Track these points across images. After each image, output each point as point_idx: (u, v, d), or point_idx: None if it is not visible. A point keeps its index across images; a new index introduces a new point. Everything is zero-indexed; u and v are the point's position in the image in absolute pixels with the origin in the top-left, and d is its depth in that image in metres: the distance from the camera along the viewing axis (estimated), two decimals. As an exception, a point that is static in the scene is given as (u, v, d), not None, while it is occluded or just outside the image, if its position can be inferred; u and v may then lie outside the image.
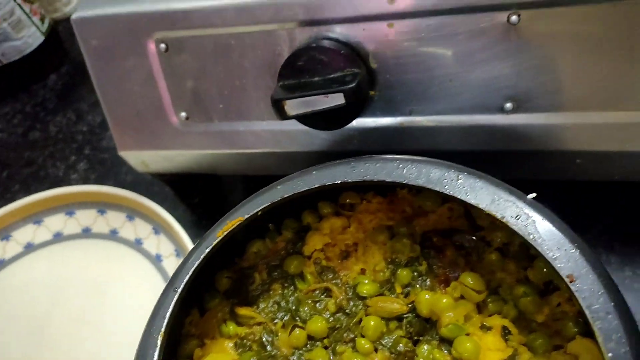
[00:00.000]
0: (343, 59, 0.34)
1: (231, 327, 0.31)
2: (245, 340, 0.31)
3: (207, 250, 0.29)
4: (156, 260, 0.48)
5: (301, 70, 0.35)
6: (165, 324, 0.27)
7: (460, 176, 0.27)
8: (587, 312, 0.22)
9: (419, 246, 0.32)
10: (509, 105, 0.35)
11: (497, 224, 0.30)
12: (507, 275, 0.30)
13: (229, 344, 0.31)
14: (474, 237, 0.31)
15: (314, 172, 0.30)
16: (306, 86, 0.35)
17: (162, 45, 0.39)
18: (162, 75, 0.40)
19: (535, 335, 0.28)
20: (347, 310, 0.31)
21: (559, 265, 0.24)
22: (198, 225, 0.49)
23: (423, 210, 0.33)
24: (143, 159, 0.46)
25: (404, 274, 0.31)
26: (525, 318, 0.28)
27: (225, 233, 0.29)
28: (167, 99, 0.41)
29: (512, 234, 0.29)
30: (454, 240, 0.31)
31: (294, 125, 0.39)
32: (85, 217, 0.51)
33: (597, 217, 0.42)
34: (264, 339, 0.31)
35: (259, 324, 0.32)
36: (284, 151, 0.41)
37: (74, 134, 0.60)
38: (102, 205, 0.51)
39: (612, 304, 0.22)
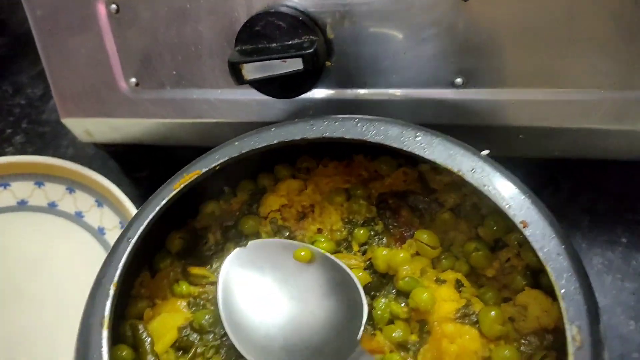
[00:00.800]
0: (301, 26, 0.34)
1: (184, 287, 0.31)
2: (198, 300, 0.31)
3: (163, 202, 0.28)
4: (98, 233, 0.46)
5: (259, 35, 0.35)
6: (118, 274, 0.26)
7: (417, 134, 0.28)
8: (540, 254, 0.24)
9: (375, 207, 0.32)
10: (459, 80, 0.36)
11: (449, 186, 0.31)
12: (459, 234, 0.31)
13: (182, 303, 0.30)
14: (427, 199, 0.32)
15: (272, 129, 0.30)
16: (264, 51, 0.35)
17: (113, 6, 0.38)
18: (111, 38, 0.39)
19: (486, 289, 0.29)
20: (303, 269, 0.31)
21: (512, 213, 0.25)
22: (145, 200, 0.47)
23: (379, 174, 0.33)
24: (87, 127, 0.44)
25: (361, 232, 0.31)
26: (476, 273, 0.30)
27: (183, 186, 0.29)
28: (116, 64, 0.40)
29: (463, 195, 0.30)
30: (409, 202, 0.32)
31: (250, 95, 0.39)
32: (21, 189, 0.49)
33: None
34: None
35: (212, 283, 0.31)
36: (238, 121, 0.41)
37: (11, 107, 0.57)
38: (40, 177, 0.48)
39: (563, 246, 0.24)
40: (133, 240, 0.27)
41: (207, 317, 0.29)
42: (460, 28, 0.35)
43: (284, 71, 0.34)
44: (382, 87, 0.38)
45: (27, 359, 0.42)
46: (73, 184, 0.48)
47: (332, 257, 0.30)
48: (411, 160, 0.33)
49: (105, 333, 0.24)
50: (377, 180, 0.33)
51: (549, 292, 0.27)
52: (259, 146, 0.29)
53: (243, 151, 0.29)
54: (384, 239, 0.31)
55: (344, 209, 0.32)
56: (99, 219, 0.47)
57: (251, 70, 0.35)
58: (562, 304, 0.22)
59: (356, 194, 0.33)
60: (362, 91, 0.38)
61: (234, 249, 0.32)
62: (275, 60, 0.34)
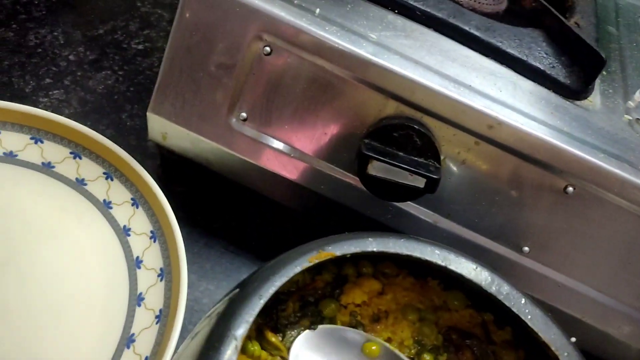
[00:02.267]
0: (432, 150, 0.38)
1: (256, 348, 0.31)
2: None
3: (298, 270, 0.29)
4: (104, 206, 0.44)
5: (393, 140, 0.38)
6: (245, 330, 0.26)
7: (524, 300, 0.32)
8: None
9: (441, 337, 0.35)
10: (526, 248, 0.41)
11: (508, 344, 0.35)
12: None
13: (253, 366, 0.31)
14: (486, 349, 0.35)
15: (402, 239, 0.32)
16: (393, 156, 0.37)
17: (267, 49, 0.39)
18: (246, 71, 0.40)
19: None
20: (367, 371, 0.33)
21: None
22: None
23: (447, 306, 0.36)
24: (168, 131, 0.43)
25: (427, 358, 0.34)
26: None
27: (316, 262, 0.30)
28: (237, 94, 0.40)
29: (519, 357, 0.34)
30: (470, 344, 0.35)
31: (343, 176, 0.41)
32: (13, 142, 0.45)
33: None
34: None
35: (283, 358, 0.32)
36: (316, 191, 0.42)
37: (57, 58, 0.54)
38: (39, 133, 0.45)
39: None
40: (263, 301, 0.27)
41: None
42: (550, 212, 0.40)
43: (405, 182, 0.37)
44: (461, 224, 0.41)
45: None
46: (77, 148, 0.45)
47: (403, 356, 0.32)
48: (479, 304, 0.36)
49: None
50: (445, 311, 0.36)
51: None
52: (390, 251, 0.31)
53: (375, 250, 0.31)
54: (446, 371, 0.34)
55: (416, 327, 0.35)
56: (105, 192, 0.45)
57: (377, 168, 0.37)
58: None
59: (427, 318, 0.35)
60: (442, 219, 0.42)
61: (307, 326, 0.33)
62: (401, 170, 0.37)
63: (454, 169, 0.40)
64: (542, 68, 0.41)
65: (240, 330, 0.26)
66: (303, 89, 0.39)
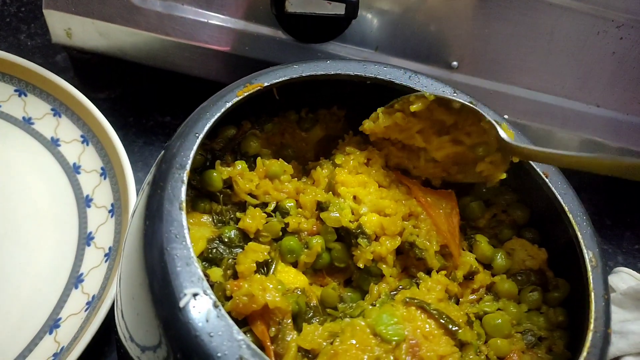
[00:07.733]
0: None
1: (206, 202, 0.31)
2: (221, 217, 0.31)
3: (228, 105, 0.28)
4: (52, 144, 0.42)
5: (305, -28, 0.37)
6: (189, 163, 0.25)
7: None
8: (559, 197, 0.29)
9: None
10: (455, 63, 0.42)
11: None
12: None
13: (207, 219, 0.30)
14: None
15: (328, 61, 0.32)
16: (308, -11, 0.36)
17: None
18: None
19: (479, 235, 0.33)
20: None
21: (536, 167, 0.30)
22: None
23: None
24: (71, 26, 0.40)
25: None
26: (470, 225, 0.34)
27: (245, 94, 0.29)
28: (133, -34, 0.38)
29: None
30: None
31: (264, 31, 0.40)
32: None
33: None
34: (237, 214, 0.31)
35: (236, 203, 0.31)
36: (242, 55, 0.41)
37: None
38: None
39: (572, 192, 0.30)
40: (201, 136, 0.27)
41: (234, 231, 0.30)
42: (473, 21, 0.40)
43: (326, 12, 0.36)
44: (391, 54, 0.41)
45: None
46: (25, 86, 0.43)
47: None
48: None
49: (184, 215, 0.24)
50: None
51: (534, 242, 0.32)
52: (319, 73, 0.31)
53: (304, 74, 0.30)
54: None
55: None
56: (54, 129, 0.43)
57: (295, 3, 0.36)
58: (579, 235, 0.28)
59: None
60: (372, 53, 0.41)
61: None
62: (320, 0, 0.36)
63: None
64: None
65: (184, 164, 0.26)
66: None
